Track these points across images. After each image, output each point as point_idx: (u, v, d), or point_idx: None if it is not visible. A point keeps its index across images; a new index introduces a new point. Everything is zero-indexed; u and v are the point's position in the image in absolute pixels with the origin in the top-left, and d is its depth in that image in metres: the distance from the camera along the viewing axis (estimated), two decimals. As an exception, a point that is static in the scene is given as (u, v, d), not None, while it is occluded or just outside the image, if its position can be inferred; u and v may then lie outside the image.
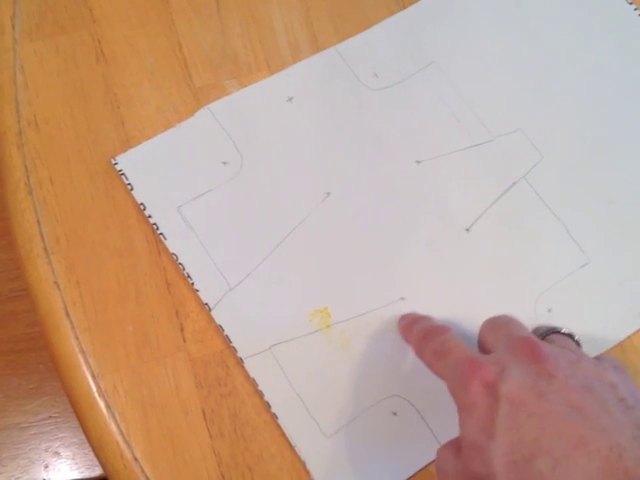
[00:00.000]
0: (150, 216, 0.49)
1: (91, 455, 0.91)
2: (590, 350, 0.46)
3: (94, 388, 0.46)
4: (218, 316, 0.48)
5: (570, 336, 0.45)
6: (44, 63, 0.53)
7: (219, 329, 0.48)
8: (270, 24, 0.55)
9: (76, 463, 0.93)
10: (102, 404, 0.46)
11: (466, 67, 0.55)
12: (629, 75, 0.55)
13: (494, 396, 0.37)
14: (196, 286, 0.48)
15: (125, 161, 0.51)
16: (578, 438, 0.34)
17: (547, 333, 0.45)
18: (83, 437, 0.52)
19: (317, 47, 0.55)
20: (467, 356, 0.40)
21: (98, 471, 0.87)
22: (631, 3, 0.56)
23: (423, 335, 0.45)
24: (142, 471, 0.45)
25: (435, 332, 0.44)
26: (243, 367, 0.47)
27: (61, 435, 0.97)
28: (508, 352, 0.39)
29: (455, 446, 0.40)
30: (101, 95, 0.53)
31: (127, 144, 0.52)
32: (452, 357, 0.41)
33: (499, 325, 0.43)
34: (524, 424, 0.36)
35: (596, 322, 0.49)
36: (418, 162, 0.52)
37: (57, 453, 0.95)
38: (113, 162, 0.50)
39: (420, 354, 0.45)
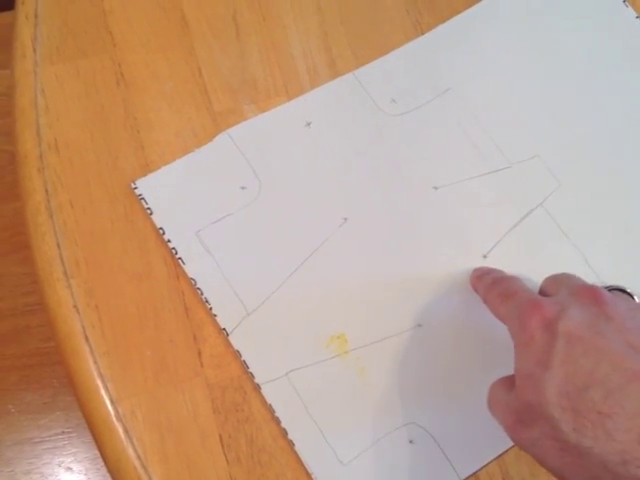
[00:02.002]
0: (169, 240, 0.50)
1: (104, 470, 0.92)
2: None
3: (112, 412, 0.46)
4: (235, 341, 0.48)
5: (631, 296, 0.47)
6: (65, 86, 0.53)
7: (236, 354, 0.48)
8: (289, 49, 0.56)
9: (89, 478, 0.94)
10: (120, 429, 0.46)
11: (483, 93, 0.55)
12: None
13: (552, 332, 0.38)
14: (214, 311, 0.48)
15: (145, 185, 0.51)
16: (633, 372, 0.35)
17: (609, 288, 0.47)
18: (96, 452, 0.52)
19: (335, 72, 0.55)
20: (529, 297, 0.41)
21: (111, 487, 0.87)
22: (649, 30, 0.56)
23: (491, 282, 0.47)
24: (159, 496, 0.45)
25: (503, 279, 0.46)
26: (260, 393, 0.47)
27: (74, 450, 0.97)
28: (569, 295, 0.41)
29: (507, 381, 0.41)
30: (121, 119, 0.53)
31: (146, 168, 0.52)
32: (515, 299, 0.43)
33: (560, 278, 0.45)
34: (580, 358, 0.37)
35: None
36: (436, 188, 0.52)
37: (70, 468, 0.96)
38: (133, 186, 0.51)
39: (486, 300, 0.46)
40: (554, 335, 0.38)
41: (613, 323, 0.38)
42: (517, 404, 0.39)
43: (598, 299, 0.39)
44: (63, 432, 0.95)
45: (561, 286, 0.43)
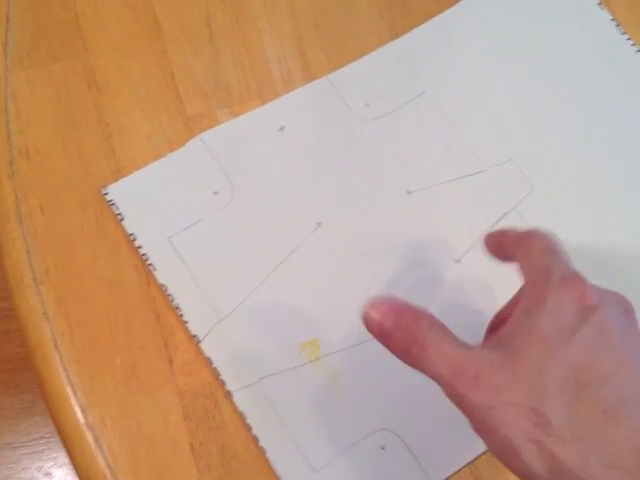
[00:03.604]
0: (140, 246, 0.49)
1: (83, 476, 0.91)
2: None
3: (82, 421, 0.46)
4: (207, 348, 0.48)
5: None
6: (36, 92, 0.53)
7: (208, 361, 0.47)
8: (262, 53, 0.55)
9: (68, 483, 0.93)
10: (90, 437, 0.46)
11: (458, 97, 0.55)
12: (621, 106, 0.55)
13: (585, 316, 0.35)
14: (185, 317, 0.48)
15: (116, 191, 0.50)
16: None
17: None
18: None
19: (309, 76, 0.55)
20: (574, 270, 0.37)
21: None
22: (624, 33, 0.56)
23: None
24: (129, 505, 0.45)
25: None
26: (231, 400, 0.47)
27: (53, 455, 0.96)
28: (607, 292, 0.37)
29: (453, 338, 0.37)
30: (92, 124, 0.53)
31: (118, 173, 0.52)
32: (560, 259, 0.38)
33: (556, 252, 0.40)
34: (603, 354, 0.34)
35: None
36: (409, 192, 0.52)
37: (49, 473, 0.95)
38: (104, 192, 0.50)
39: (522, 240, 0.42)
40: (586, 320, 0.35)
41: None
42: (502, 359, 0.34)
43: (631, 313, 0.37)
44: (42, 437, 0.95)
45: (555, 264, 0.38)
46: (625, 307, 0.37)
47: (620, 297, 0.38)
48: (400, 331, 0.37)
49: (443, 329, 0.37)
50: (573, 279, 0.36)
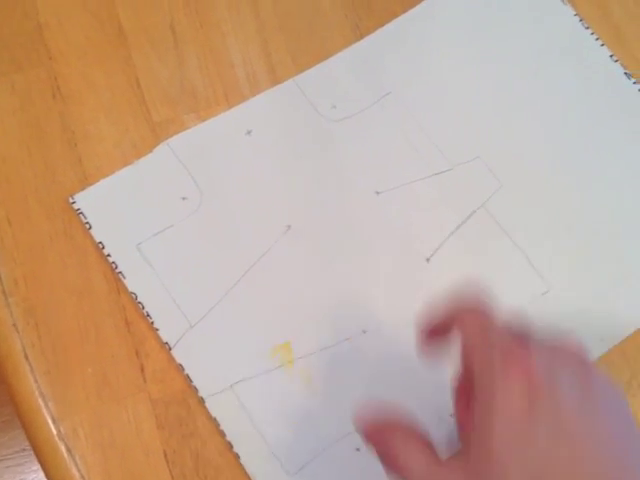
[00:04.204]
0: (109, 255, 0.49)
1: (65, 487, 0.90)
2: None
3: (54, 432, 0.46)
4: (178, 355, 0.47)
5: None
6: (0, 101, 0.52)
7: (179, 368, 0.47)
8: (228, 57, 0.55)
9: (50, 495, 0.92)
10: (63, 448, 0.46)
11: (423, 96, 0.55)
12: (585, 100, 0.55)
13: (534, 402, 0.33)
14: (156, 325, 0.48)
15: (83, 200, 0.50)
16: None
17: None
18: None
19: (275, 79, 0.55)
20: (514, 341, 0.35)
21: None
22: (588, 28, 0.56)
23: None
24: (104, 516, 0.44)
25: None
26: (204, 407, 0.46)
27: (35, 468, 0.96)
28: (554, 353, 0.35)
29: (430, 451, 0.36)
30: (58, 133, 0.52)
31: (85, 182, 0.51)
32: (494, 332, 0.36)
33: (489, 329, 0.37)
34: (559, 451, 0.32)
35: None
36: (378, 193, 0.52)
37: (31, 486, 0.94)
38: (71, 201, 0.50)
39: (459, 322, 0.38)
40: (538, 408, 0.33)
41: (601, 415, 0.33)
42: (468, 475, 0.34)
43: (586, 367, 0.35)
44: (24, 449, 0.94)
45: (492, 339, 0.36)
46: (579, 363, 0.35)
47: (571, 353, 0.36)
48: (377, 442, 0.38)
49: (416, 442, 0.37)
50: (515, 356, 0.34)
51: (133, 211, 0.51)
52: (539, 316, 0.48)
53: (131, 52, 0.55)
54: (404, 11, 0.57)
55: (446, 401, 0.47)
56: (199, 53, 0.55)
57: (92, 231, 0.50)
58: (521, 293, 0.50)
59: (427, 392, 0.48)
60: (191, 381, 0.47)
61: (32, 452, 0.90)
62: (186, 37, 0.56)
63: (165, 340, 0.48)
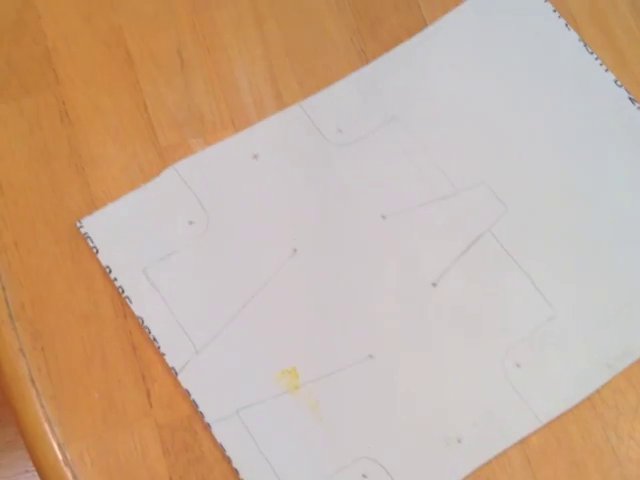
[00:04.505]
0: (116, 279, 0.49)
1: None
2: (560, 405, 0.49)
3: (60, 457, 0.46)
4: (184, 380, 0.47)
5: None
6: (8, 126, 0.53)
7: (186, 393, 0.47)
8: (234, 81, 0.55)
9: (54, 516, 0.92)
10: (69, 474, 0.46)
11: (428, 120, 0.55)
12: (591, 124, 0.55)
13: None
14: (162, 350, 0.48)
15: (90, 224, 0.50)
16: None
17: None
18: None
19: (282, 103, 0.55)
20: None
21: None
22: (592, 53, 0.57)
23: None
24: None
25: None
26: (211, 432, 0.46)
27: (38, 488, 0.95)
28: None
29: None
30: (66, 157, 0.52)
31: (92, 206, 0.51)
32: None
33: None
34: None
35: (565, 376, 0.49)
36: (384, 217, 0.52)
37: (33, 507, 0.94)
38: (78, 225, 0.50)
39: None
40: None
41: None
42: None
43: None
44: (27, 471, 0.94)
45: None
46: None
47: None
48: None
49: None
50: None
51: (140, 235, 0.51)
52: (545, 340, 0.48)
53: (138, 77, 0.55)
54: (409, 36, 0.58)
55: (452, 426, 0.47)
56: (206, 78, 0.56)
57: (99, 255, 0.50)
58: (527, 319, 0.51)
59: (434, 417, 0.48)
60: (197, 406, 0.47)
61: (35, 474, 0.90)
62: (193, 62, 0.56)
63: (171, 365, 0.48)
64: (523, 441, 0.49)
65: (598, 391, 0.49)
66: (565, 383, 0.49)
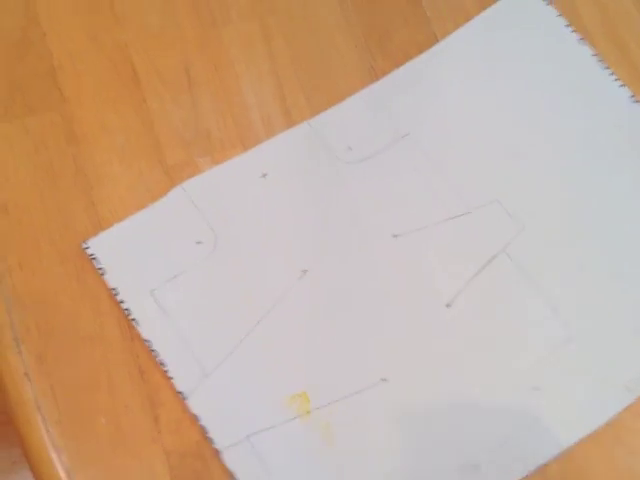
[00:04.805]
0: (122, 301, 0.48)
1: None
2: (580, 430, 0.47)
3: (67, 485, 0.44)
4: (193, 405, 0.46)
5: None
6: (13, 145, 0.52)
7: (195, 418, 0.46)
8: (242, 99, 0.55)
9: (59, 539, 0.90)
10: (75, 501, 0.44)
11: (440, 137, 0.54)
12: (607, 140, 0.55)
13: None
14: (170, 374, 0.47)
15: (96, 245, 0.49)
16: None
17: None
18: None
19: (290, 121, 0.54)
20: None
21: None
22: (607, 68, 0.56)
23: None
24: None
25: None
26: (221, 459, 0.45)
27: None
28: None
29: None
30: (71, 176, 0.52)
31: (98, 226, 0.50)
32: None
33: None
34: None
35: (585, 399, 0.48)
36: (395, 236, 0.51)
37: (39, 529, 0.92)
38: (84, 246, 0.49)
39: None
40: None
41: None
42: None
43: None
44: (32, 492, 0.92)
45: None
46: None
47: None
48: None
49: None
50: None
51: (147, 256, 0.50)
52: (563, 363, 0.47)
53: (145, 94, 0.54)
54: (419, 51, 0.57)
55: (469, 453, 0.46)
56: (213, 96, 0.55)
57: (105, 277, 0.49)
58: (544, 340, 0.50)
59: (449, 443, 0.47)
60: (207, 432, 0.46)
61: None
62: (200, 79, 0.55)
63: (179, 389, 0.47)
64: (543, 468, 0.47)
65: (620, 415, 0.48)
66: (584, 407, 0.48)
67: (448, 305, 0.50)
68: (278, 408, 0.47)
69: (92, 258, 0.49)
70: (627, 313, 0.50)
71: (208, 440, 0.46)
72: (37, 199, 0.51)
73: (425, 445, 0.47)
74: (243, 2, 0.57)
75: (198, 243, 0.50)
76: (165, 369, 0.47)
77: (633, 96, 0.55)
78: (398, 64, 0.57)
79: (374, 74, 0.56)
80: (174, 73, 0.55)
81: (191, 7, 0.57)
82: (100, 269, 0.49)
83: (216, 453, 0.46)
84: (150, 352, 0.48)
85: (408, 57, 0.57)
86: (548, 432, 0.47)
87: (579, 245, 0.52)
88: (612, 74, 0.56)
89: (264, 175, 0.52)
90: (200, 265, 0.50)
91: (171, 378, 0.47)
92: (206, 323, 0.49)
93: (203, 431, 0.46)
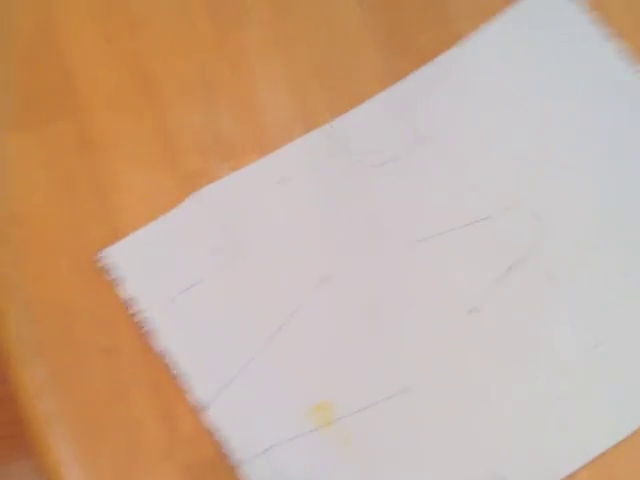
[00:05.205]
0: (138, 312, 0.47)
1: None
2: (609, 439, 0.46)
3: (82, 501, 0.43)
4: (210, 418, 0.45)
5: None
6: (28, 155, 0.51)
7: (212, 432, 0.45)
8: (260, 104, 0.53)
9: None
10: (91, 518, 0.43)
11: (463, 139, 0.52)
12: (634, 140, 0.52)
13: None
14: (187, 386, 0.46)
15: (112, 255, 0.49)
16: None
17: None
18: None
19: (309, 125, 0.53)
20: None
21: None
22: (635, 65, 0.53)
23: None
24: None
25: None
26: (239, 473, 0.44)
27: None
28: None
29: None
30: (86, 185, 0.51)
31: (114, 236, 0.49)
32: None
33: None
34: None
35: (613, 406, 0.46)
36: (419, 241, 0.49)
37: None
38: (100, 256, 0.48)
39: None
40: None
41: None
42: None
43: None
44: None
45: None
46: None
47: None
48: None
49: None
50: None
51: (163, 265, 0.49)
52: (590, 370, 0.45)
53: (161, 100, 0.53)
54: (442, 52, 0.55)
55: (495, 464, 0.44)
56: (230, 100, 0.54)
57: (121, 287, 0.48)
58: (571, 347, 0.48)
59: (474, 454, 0.45)
60: (223, 446, 0.44)
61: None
62: (217, 84, 0.54)
63: (196, 402, 0.45)
64: (570, 477, 0.45)
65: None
66: (613, 414, 0.46)
67: (472, 311, 0.48)
68: (298, 419, 0.46)
69: (108, 268, 0.48)
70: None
71: (225, 454, 0.44)
72: (52, 209, 0.50)
73: (449, 457, 0.45)
74: (261, 5, 0.55)
75: (215, 252, 0.49)
76: (181, 381, 0.46)
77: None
78: (421, 65, 0.55)
79: (396, 75, 0.55)
80: (191, 78, 0.54)
81: (208, 11, 0.55)
82: (116, 279, 0.48)
83: (232, 468, 0.44)
84: (166, 364, 0.46)
85: (431, 57, 0.55)
86: (576, 440, 0.46)
87: (608, 249, 0.50)
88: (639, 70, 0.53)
89: (283, 180, 0.51)
90: (217, 274, 0.49)
91: (187, 391, 0.45)
92: (224, 333, 0.48)
93: (219, 445, 0.45)
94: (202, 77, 0.54)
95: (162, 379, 0.47)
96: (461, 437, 0.46)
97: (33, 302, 0.48)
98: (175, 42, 0.55)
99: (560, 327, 0.48)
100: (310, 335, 0.48)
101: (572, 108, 0.54)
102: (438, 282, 0.49)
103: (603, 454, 0.46)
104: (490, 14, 0.56)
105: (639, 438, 0.47)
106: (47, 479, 0.46)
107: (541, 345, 0.48)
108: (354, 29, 0.56)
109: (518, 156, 0.52)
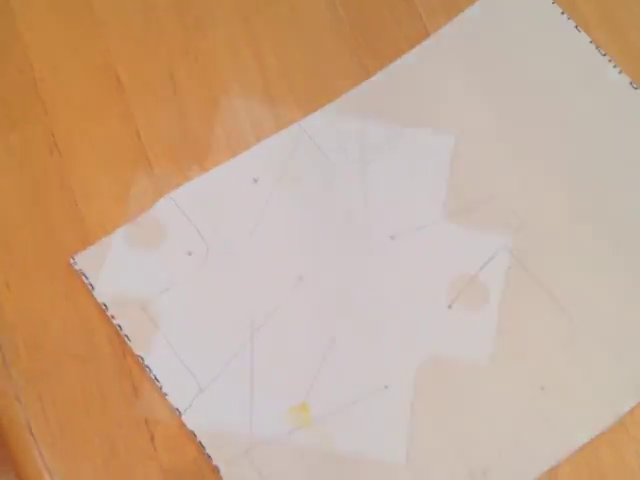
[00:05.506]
0: (113, 317, 0.47)
1: None
2: (590, 429, 0.46)
3: (62, 509, 0.43)
4: (189, 421, 0.45)
5: None
6: (-4, 162, 0.50)
7: (191, 435, 0.44)
8: (230, 104, 0.53)
9: None
10: (71, 526, 0.43)
11: (435, 135, 0.52)
12: (608, 129, 0.53)
13: None
14: (165, 390, 0.45)
15: (84, 260, 0.48)
16: None
17: None
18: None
19: (280, 124, 0.53)
20: None
21: None
22: (605, 55, 0.54)
23: None
24: None
25: None
26: (219, 476, 0.44)
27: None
28: None
29: None
30: (57, 191, 0.50)
31: (86, 241, 0.49)
32: None
33: None
34: None
35: (592, 398, 0.46)
36: (392, 237, 0.50)
37: None
38: (72, 261, 0.48)
39: None
40: None
41: None
42: None
43: None
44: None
45: None
46: None
47: None
48: None
49: None
50: None
51: (137, 269, 0.48)
52: (570, 363, 0.45)
53: (130, 103, 0.53)
54: (410, 47, 0.55)
55: (476, 457, 0.44)
56: (200, 100, 0.53)
57: (95, 292, 0.48)
58: (550, 339, 0.48)
59: (456, 449, 0.45)
60: (204, 448, 0.44)
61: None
62: (186, 85, 0.54)
63: (175, 406, 0.45)
64: (553, 469, 0.45)
65: (631, 413, 0.46)
66: (593, 406, 0.47)
67: (449, 306, 0.48)
68: (277, 420, 0.46)
69: (81, 274, 0.48)
70: (636, 310, 0.48)
71: (206, 457, 0.44)
72: (22, 216, 0.50)
73: (432, 453, 0.45)
74: (227, 4, 0.55)
75: (189, 254, 0.49)
76: (159, 385, 0.46)
77: (632, 82, 0.53)
78: (390, 61, 0.55)
79: (365, 73, 0.55)
80: (159, 80, 0.54)
81: (174, 11, 0.55)
82: (89, 284, 0.48)
83: (214, 470, 0.44)
84: (143, 368, 0.46)
85: (400, 54, 0.55)
86: (558, 433, 0.46)
87: (584, 240, 0.50)
88: (610, 61, 0.54)
89: (255, 180, 0.51)
90: (192, 276, 0.48)
91: (165, 394, 0.45)
92: (200, 336, 0.47)
93: (200, 447, 0.44)
94: (170, 78, 0.54)
95: (140, 383, 0.47)
96: (441, 432, 0.46)
97: (6, 310, 0.48)
98: (141, 43, 0.54)
99: (538, 319, 0.49)
100: (287, 336, 0.48)
101: (543, 99, 0.54)
102: (414, 278, 0.49)
103: (585, 446, 0.47)
104: (458, 9, 0.56)
105: (620, 429, 0.47)
106: (26, 488, 0.45)
107: (519, 337, 0.48)
108: (322, 27, 0.56)
109: (490, 149, 0.52)
